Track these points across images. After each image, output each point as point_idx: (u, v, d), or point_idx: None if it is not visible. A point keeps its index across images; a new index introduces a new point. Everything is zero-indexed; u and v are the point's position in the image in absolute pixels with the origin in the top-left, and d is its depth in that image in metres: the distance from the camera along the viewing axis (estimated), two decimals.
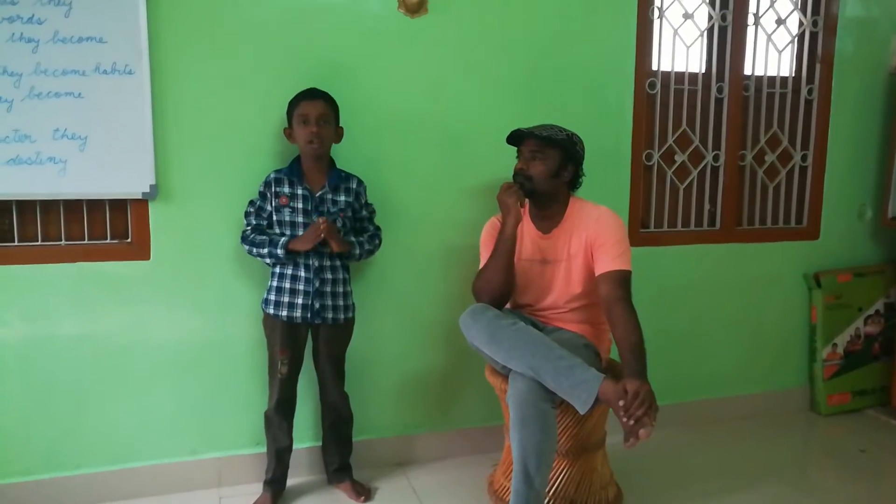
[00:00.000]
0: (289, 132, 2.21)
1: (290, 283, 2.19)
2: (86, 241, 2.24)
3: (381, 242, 2.33)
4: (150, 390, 2.31)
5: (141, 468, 2.32)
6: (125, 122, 2.16)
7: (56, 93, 2.10)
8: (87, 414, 2.26)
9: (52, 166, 2.12)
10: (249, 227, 2.22)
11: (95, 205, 2.24)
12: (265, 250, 2.16)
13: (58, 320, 2.20)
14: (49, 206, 2.20)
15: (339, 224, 2.21)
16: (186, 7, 2.18)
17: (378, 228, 2.33)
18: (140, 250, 2.25)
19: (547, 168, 2.16)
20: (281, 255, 2.14)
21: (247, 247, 2.21)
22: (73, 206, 2.22)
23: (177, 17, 2.18)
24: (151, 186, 2.20)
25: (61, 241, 2.23)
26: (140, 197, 2.21)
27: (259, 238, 2.18)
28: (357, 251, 2.22)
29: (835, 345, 3.09)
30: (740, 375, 3.04)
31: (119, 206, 2.26)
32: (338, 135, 2.24)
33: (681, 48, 2.80)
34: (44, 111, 2.10)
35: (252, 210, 2.23)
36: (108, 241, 2.26)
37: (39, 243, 2.21)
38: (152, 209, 2.24)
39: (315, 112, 2.13)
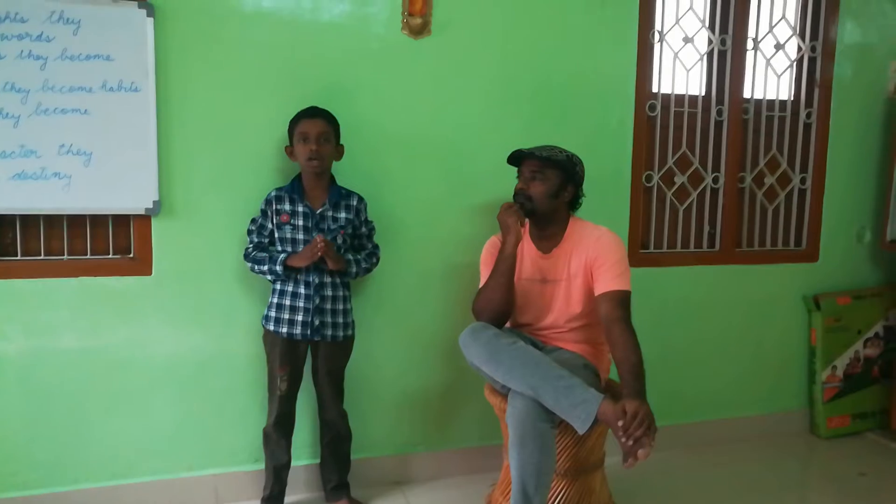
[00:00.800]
0: (290, 150, 2.23)
1: (291, 299, 2.20)
2: (88, 256, 2.26)
3: (379, 261, 2.34)
4: (150, 406, 2.31)
5: (139, 484, 2.31)
6: (130, 139, 2.18)
7: (63, 109, 2.13)
8: (87, 429, 2.26)
9: (56, 181, 2.14)
10: (251, 245, 2.24)
11: (99, 220, 2.26)
12: (265, 267, 2.18)
13: (59, 334, 2.21)
14: (53, 220, 2.22)
15: (339, 241, 2.22)
16: (192, 27, 2.22)
17: (376, 247, 2.35)
18: (142, 266, 2.26)
19: (547, 188, 2.17)
20: (280, 272, 2.15)
21: (249, 264, 2.22)
22: (76, 221, 2.24)
23: (183, 36, 2.21)
24: (155, 202, 2.22)
25: (64, 255, 2.24)
26: (143, 213, 2.22)
27: (260, 255, 2.20)
28: (353, 269, 2.23)
29: (834, 367, 3.09)
30: (739, 397, 3.04)
31: (122, 221, 2.28)
32: (338, 152, 2.26)
33: (681, 71, 2.83)
34: (50, 127, 2.12)
35: (254, 228, 2.24)
36: (110, 256, 2.28)
37: (42, 258, 2.22)
38: (155, 225, 2.25)
39: (315, 130, 2.15)
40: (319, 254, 2.11)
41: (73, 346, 2.22)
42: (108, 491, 2.28)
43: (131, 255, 2.28)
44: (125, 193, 2.20)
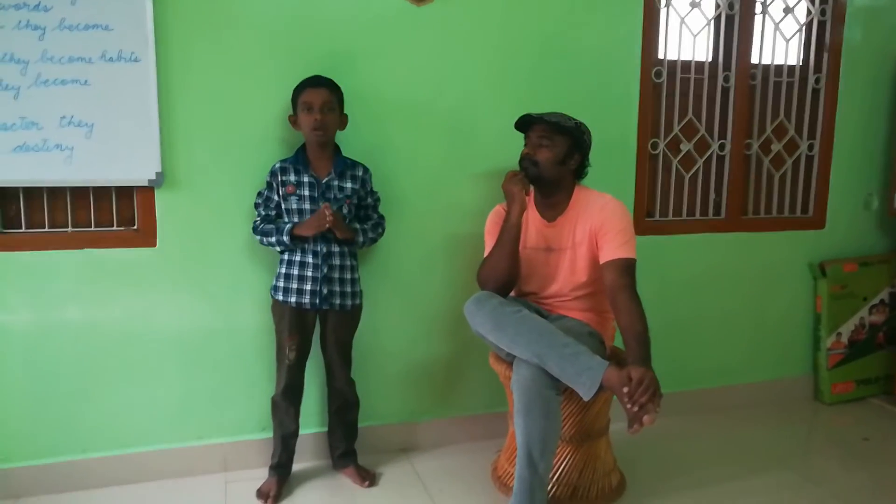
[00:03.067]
0: (293, 119, 2.21)
1: (299, 269, 2.20)
2: (92, 228, 2.25)
3: (385, 231, 2.34)
4: (157, 376, 2.33)
5: (148, 453, 2.34)
6: (131, 110, 2.16)
7: (62, 80, 2.11)
8: (94, 399, 2.28)
9: (58, 153, 2.13)
10: (259, 218, 2.23)
11: (102, 192, 2.25)
12: (273, 238, 2.18)
13: (64, 306, 2.22)
14: (56, 192, 2.22)
15: (344, 211, 2.22)
16: None
17: (382, 217, 2.34)
18: (146, 237, 2.26)
19: (554, 155, 2.16)
20: (287, 242, 2.15)
21: (258, 237, 2.22)
22: (79, 193, 2.24)
23: (182, 4, 2.18)
24: (158, 174, 2.21)
25: (68, 227, 2.24)
26: (146, 184, 2.22)
27: (267, 227, 2.20)
28: (361, 238, 2.23)
29: (839, 334, 3.10)
30: (744, 364, 3.05)
31: (125, 193, 2.27)
32: (342, 122, 2.24)
33: (688, 37, 2.79)
34: (50, 98, 2.10)
35: (260, 201, 2.24)
36: (114, 228, 2.27)
37: (46, 230, 2.22)
38: (158, 196, 2.25)
39: (319, 100, 2.13)
40: (328, 225, 2.10)
41: (79, 318, 2.23)
42: (117, 459, 2.31)
43: (135, 227, 2.28)
44: (128, 165, 2.19)
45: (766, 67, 2.92)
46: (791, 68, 2.98)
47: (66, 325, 2.22)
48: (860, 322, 3.13)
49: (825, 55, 2.96)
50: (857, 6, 2.94)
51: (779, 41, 2.92)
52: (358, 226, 2.24)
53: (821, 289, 3.07)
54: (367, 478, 2.35)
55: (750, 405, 3.02)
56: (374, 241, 2.31)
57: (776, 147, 2.98)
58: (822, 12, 2.95)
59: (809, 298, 3.11)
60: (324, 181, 2.20)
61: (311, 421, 2.46)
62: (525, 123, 2.22)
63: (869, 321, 3.15)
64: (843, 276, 3.07)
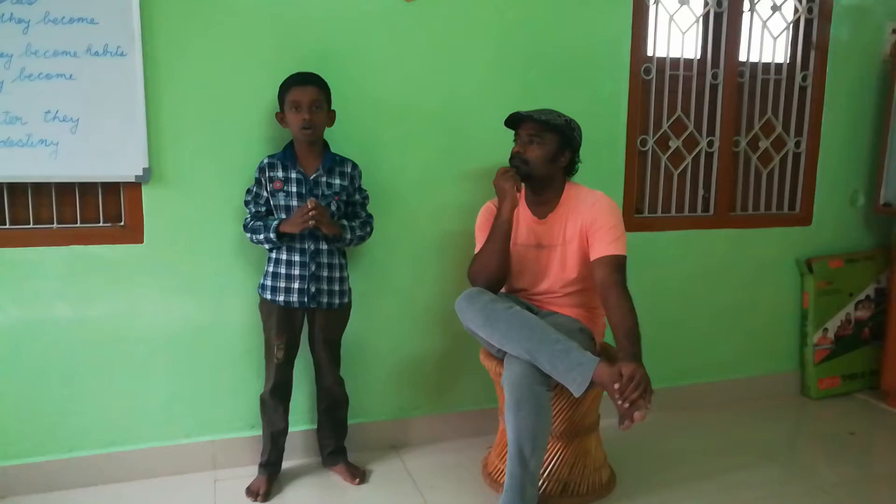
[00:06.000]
0: (281, 116, 2.19)
1: (286, 268, 2.18)
2: (78, 225, 2.23)
3: (373, 231, 2.31)
4: (145, 374, 2.30)
5: (136, 451, 2.32)
6: (118, 105, 2.14)
7: (47, 74, 2.08)
8: (81, 397, 2.25)
9: (43, 149, 2.10)
10: (249, 216, 2.21)
11: (88, 188, 2.23)
12: (261, 236, 2.15)
13: (50, 304, 2.19)
14: (41, 188, 2.19)
15: (332, 208, 2.20)
16: None
17: (370, 216, 2.32)
18: (133, 234, 2.24)
19: (544, 152, 2.16)
20: (274, 239, 2.13)
21: (248, 235, 2.20)
22: (65, 189, 2.21)
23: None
24: (144, 170, 2.19)
25: (53, 224, 2.21)
26: (133, 180, 2.19)
27: (256, 224, 2.18)
28: (348, 235, 2.20)
29: (826, 329, 3.12)
30: (732, 359, 3.07)
31: (112, 189, 2.24)
32: (330, 118, 2.22)
33: (676, 34, 2.79)
34: (35, 93, 2.07)
35: (250, 198, 2.21)
36: (100, 224, 2.25)
37: (31, 226, 2.19)
38: (145, 192, 2.22)
39: (307, 98, 2.11)
40: (312, 222, 2.07)
41: (65, 315, 2.20)
42: (104, 458, 2.29)
43: (122, 224, 2.25)
44: (114, 160, 2.16)
45: (754, 65, 2.94)
46: (778, 66, 2.99)
47: (51, 323, 2.20)
48: (846, 318, 3.16)
49: (812, 53, 2.98)
50: (843, 5, 2.96)
51: (766, 39, 2.93)
52: (346, 223, 2.22)
53: (807, 285, 3.09)
54: (358, 475, 2.34)
55: (737, 400, 3.04)
56: (363, 239, 2.28)
57: (764, 144, 3.00)
58: (810, 10, 2.96)
59: (796, 294, 3.13)
60: (311, 178, 2.18)
61: (301, 418, 2.44)
62: (515, 121, 2.22)
63: (855, 317, 3.18)
64: (830, 273, 3.09)
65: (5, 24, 2.03)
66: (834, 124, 3.04)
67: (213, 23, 2.21)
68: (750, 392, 3.08)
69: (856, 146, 3.12)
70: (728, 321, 3.03)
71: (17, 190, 2.17)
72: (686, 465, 2.48)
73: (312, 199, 2.11)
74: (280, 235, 2.14)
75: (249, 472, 2.31)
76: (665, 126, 2.83)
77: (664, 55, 2.79)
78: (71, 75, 2.09)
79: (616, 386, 1.83)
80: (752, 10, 2.87)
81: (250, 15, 2.23)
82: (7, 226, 2.17)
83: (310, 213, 2.06)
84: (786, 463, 2.55)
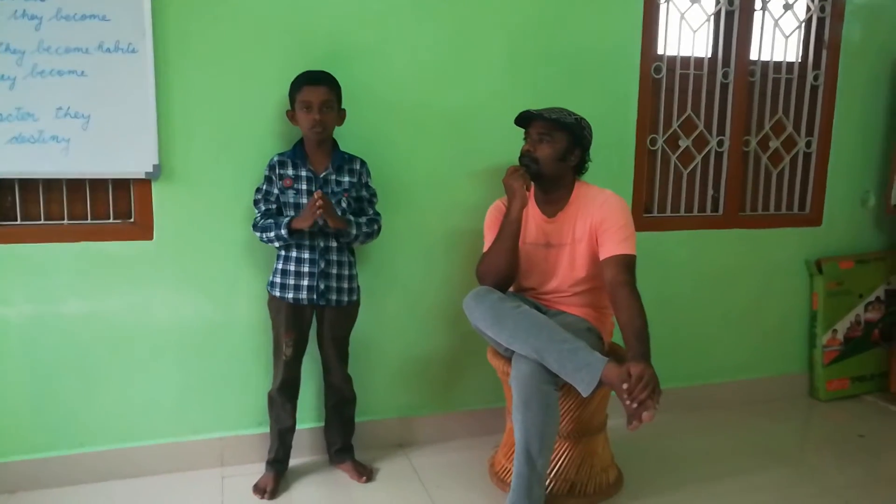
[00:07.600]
0: (291, 114, 2.19)
1: (296, 265, 2.18)
2: (89, 221, 2.24)
3: (381, 230, 2.29)
4: (154, 370, 2.31)
5: (144, 447, 2.33)
6: (128, 102, 2.14)
7: (59, 71, 2.09)
8: (91, 393, 2.27)
9: (54, 145, 2.11)
10: (259, 214, 2.21)
11: (98, 184, 2.23)
12: (272, 234, 2.15)
13: (61, 299, 2.20)
14: (52, 184, 2.20)
15: (343, 205, 2.20)
16: None
17: (377, 214, 2.30)
18: (143, 230, 2.24)
19: (554, 151, 2.15)
20: (285, 236, 2.13)
21: (258, 234, 2.20)
22: (75, 186, 2.22)
23: None
24: (155, 166, 2.19)
25: (64, 220, 2.22)
26: (143, 177, 2.20)
27: (266, 222, 2.17)
28: (354, 231, 2.18)
29: (835, 331, 3.10)
30: (741, 360, 3.06)
31: (122, 185, 2.25)
32: (340, 118, 2.21)
33: (687, 33, 2.78)
34: (46, 89, 2.08)
35: (259, 197, 2.21)
36: (111, 220, 2.26)
37: (42, 222, 2.20)
38: (155, 189, 2.23)
39: (318, 99, 2.10)
40: (319, 211, 2.06)
41: (76, 311, 2.22)
42: (114, 454, 2.30)
43: (132, 220, 2.26)
44: (124, 157, 2.17)
45: (766, 64, 2.92)
46: (790, 65, 2.97)
47: (61, 319, 2.21)
48: (856, 319, 3.14)
49: (824, 52, 2.96)
50: (856, 3, 2.94)
51: (778, 38, 2.91)
52: (353, 218, 2.22)
53: (817, 286, 3.07)
54: (365, 473, 2.34)
55: (745, 402, 3.03)
56: (369, 237, 2.26)
57: (774, 144, 2.98)
58: (822, 9, 2.94)
59: (805, 295, 3.11)
60: (321, 176, 2.18)
61: (309, 416, 2.45)
62: (525, 119, 2.21)
63: (864, 318, 3.16)
64: (840, 273, 3.07)
65: (18, 20, 2.04)
66: (845, 124, 3.02)
67: (224, 20, 2.21)
68: (758, 393, 3.07)
69: (867, 147, 3.10)
70: (736, 321, 3.02)
71: (28, 186, 2.18)
72: (693, 466, 2.47)
73: (318, 190, 2.10)
74: (291, 233, 2.14)
75: (257, 470, 2.32)
76: (675, 125, 2.82)
77: (675, 54, 2.78)
78: (82, 72, 2.10)
79: (624, 386, 1.83)
80: (763, 8, 2.86)
81: (262, 11, 2.24)
82: (19, 222, 2.18)
83: (318, 203, 2.05)
84: (794, 465, 2.54)
